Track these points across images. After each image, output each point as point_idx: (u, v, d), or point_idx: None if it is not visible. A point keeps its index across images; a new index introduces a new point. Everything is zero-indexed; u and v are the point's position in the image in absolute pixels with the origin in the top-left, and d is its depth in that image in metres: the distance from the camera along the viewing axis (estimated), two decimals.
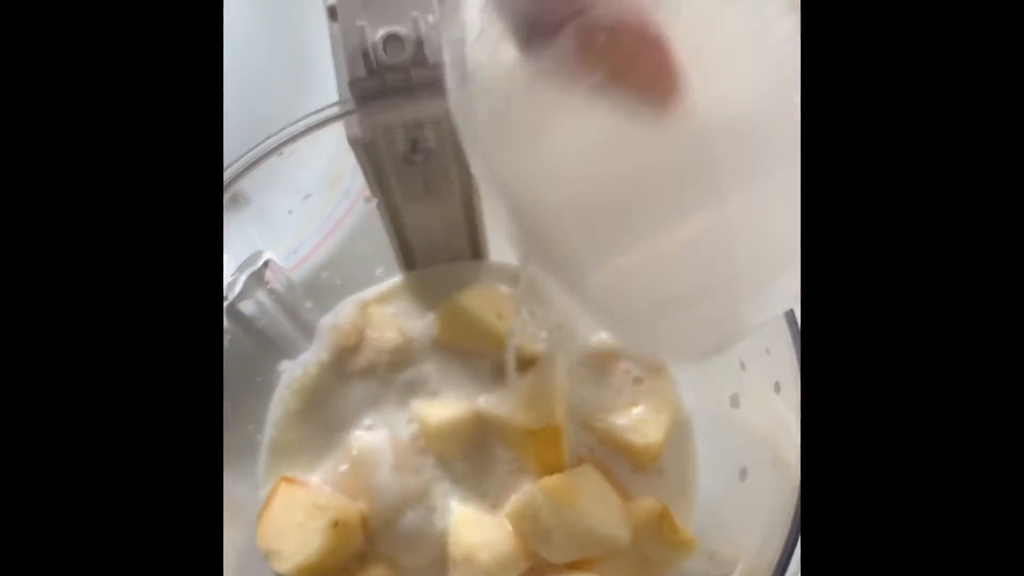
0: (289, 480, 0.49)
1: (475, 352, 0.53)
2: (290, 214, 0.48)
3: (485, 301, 0.54)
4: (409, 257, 0.55)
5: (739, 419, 0.47)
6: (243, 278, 0.46)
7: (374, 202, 0.48)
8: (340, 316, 0.54)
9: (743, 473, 0.45)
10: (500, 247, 0.55)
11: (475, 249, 0.55)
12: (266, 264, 0.48)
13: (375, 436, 0.52)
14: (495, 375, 0.53)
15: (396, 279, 0.56)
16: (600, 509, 0.46)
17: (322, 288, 0.54)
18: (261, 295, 0.49)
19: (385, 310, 0.55)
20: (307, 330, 0.54)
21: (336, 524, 0.47)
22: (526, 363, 0.52)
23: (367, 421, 0.53)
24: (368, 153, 0.44)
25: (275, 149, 0.41)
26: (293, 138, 0.41)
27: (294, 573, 0.46)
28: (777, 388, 0.41)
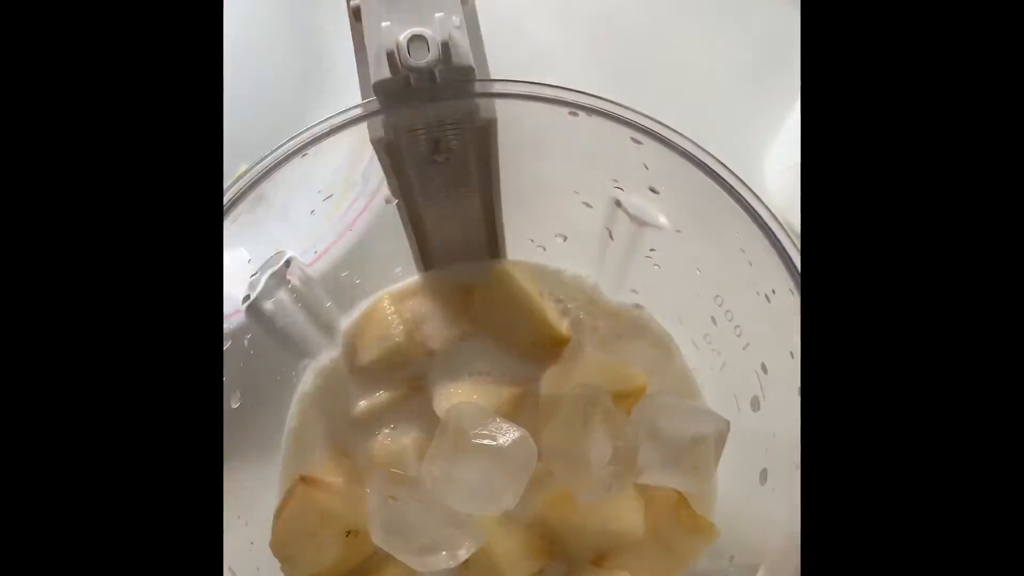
0: (308, 480, 0.49)
1: (502, 338, 0.53)
2: (312, 214, 0.48)
3: (528, 275, 0.54)
4: (427, 257, 0.55)
5: (759, 421, 0.47)
6: (264, 277, 0.46)
7: (394, 202, 0.48)
8: (355, 315, 0.54)
9: (763, 475, 0.45)
10: (518, 246, 0.55)
11: (492, 248, 0.55)
12: (287, 263, 0.48)
13: (399, 439, 0.52)
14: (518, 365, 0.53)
15: (414, 278, 0.56)
16: (608, 507, 0.46)
17: (342, 287, 0.54)
18: (282, 294, 0.49)
19: (401, 308, 0.55)
20: (328, 330, 0.54)
21: (350, 533, 0.47)
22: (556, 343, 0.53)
23: (390, 423, 0.53)
24: (390, 154, 0.44)
25: (299, 150, 0.41)
26: (317, 139, 0.41)
27: None
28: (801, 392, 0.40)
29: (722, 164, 0.39)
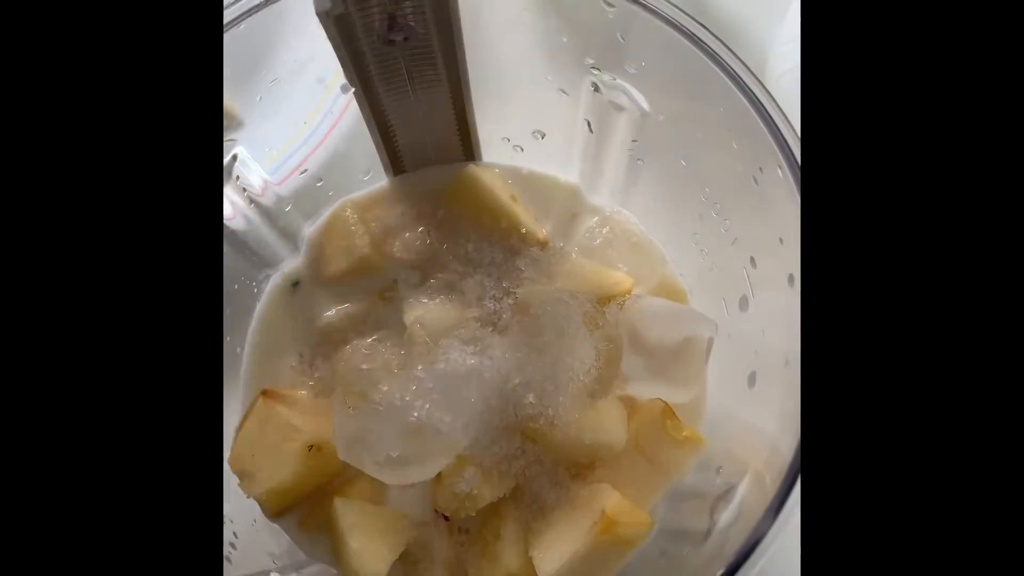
0: (270, 393, 0.46)
1: (473, 244, 0.50)
2: (260, 100, 0.44)
3: (498, 177, 0.51)
4: (396, 160, 0.52)
5: (748, 322, 0.43)
6: None
7: (352, 91, 0.44)
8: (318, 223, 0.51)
9: (752, 379, 0.42)
10: (494, 147, 0.52)
11: (466, 150, 0.51)
12: (234, 158, 0.44)
13: (366, 350, 0.49)
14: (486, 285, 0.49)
15: (381, 184, 0.53)
16: (589, 417, 0.43)
17: (304, 193, 0.51)
18: (231, 193, 0.45)
19: (367, 216, 0.51)
20: (290, 237, 0.51)
21: (313, 447, 0.44)
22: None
23: (358, 334, 0.50)
24: (341, 30, 0.40)
25: (233, 22, 0.37)
26: (252, 10, 0.37)
27: (266, 497, 0.43)
28: (791, 280, 0.37)
29: (700, 24, 0.35)
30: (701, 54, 0.36)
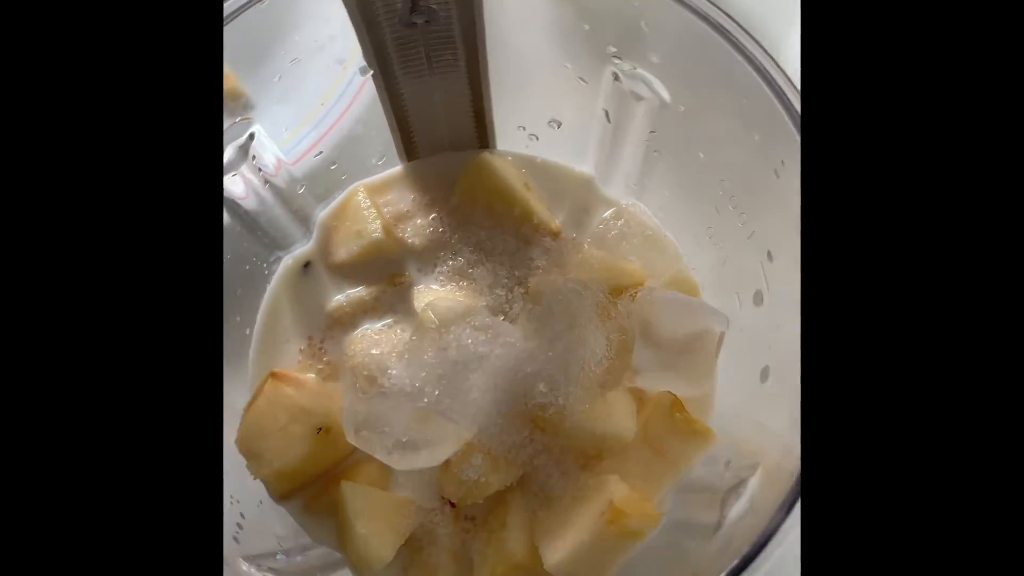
0: (278, 375, 0.46)
1: (486, 231, 0.49)
2: (279, 79, 0.44)
3: (511, 166, 0.51)
4: (410, 145, 0.51)
5: (762, 317, 0.43)
6: (228, 150, 0.42)
7: (370, 74, 0.44)
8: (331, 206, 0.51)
9: (764, 373, 0.42)
10: (509, 135, 0.51)
11: (481, 137, 0.51)
12: (251, 137, 0.44)
13: (376, 335, 0.49)
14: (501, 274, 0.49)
15: (395, 169, 0.52)
16: (598, 407, 0.43)
17: (318, 176, 0.51)
18: (248, 172, 0.45)
19: (379, 201, 0.51)
20: (303, 220, 0.50)
21: (321, 430, 0.44)
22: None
23: (368, 318, 0.50)
24: (362, 11, 0.39)
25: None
26: None
27: (273, 479, 0.43)
28: None
29: (726, 15, 0.35)
30: (727, 44, 0.36)
